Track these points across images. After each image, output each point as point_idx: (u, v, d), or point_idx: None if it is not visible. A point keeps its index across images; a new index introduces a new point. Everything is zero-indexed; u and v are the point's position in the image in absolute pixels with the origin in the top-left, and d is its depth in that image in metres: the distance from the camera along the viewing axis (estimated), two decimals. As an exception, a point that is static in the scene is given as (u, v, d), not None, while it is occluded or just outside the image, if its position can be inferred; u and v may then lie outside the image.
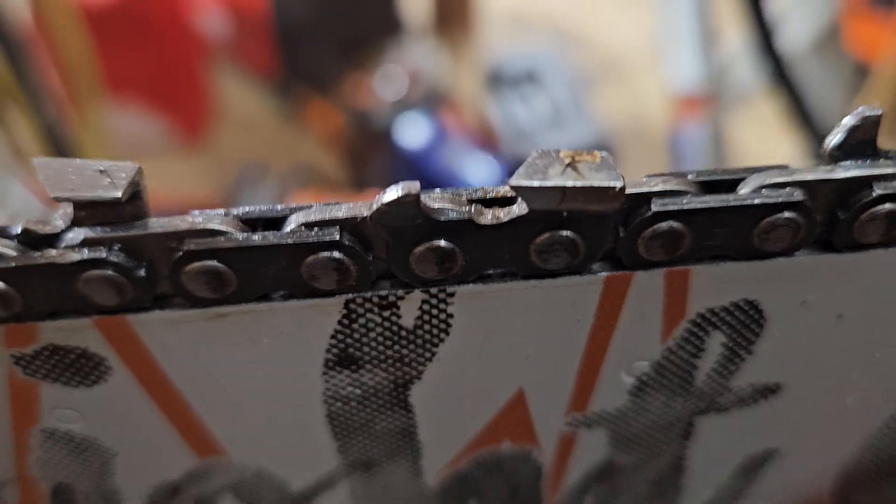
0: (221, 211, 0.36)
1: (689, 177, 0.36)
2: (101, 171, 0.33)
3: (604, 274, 0.37)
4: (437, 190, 0.35)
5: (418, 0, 2.73)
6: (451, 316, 0.38)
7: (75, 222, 0.34)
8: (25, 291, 0.35)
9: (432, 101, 2.32)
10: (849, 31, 1.95)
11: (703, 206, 0.35)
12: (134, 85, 2.35)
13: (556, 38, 2.78)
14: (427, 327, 0.39)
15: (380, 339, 0.39)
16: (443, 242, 0.35)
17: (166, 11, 2.32)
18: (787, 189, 0.35)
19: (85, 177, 0.33)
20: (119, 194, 0.33)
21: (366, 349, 0.39)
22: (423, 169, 2.18)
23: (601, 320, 0.39)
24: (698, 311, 0.40)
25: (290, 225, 0.35)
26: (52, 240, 0.35)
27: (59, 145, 1.82)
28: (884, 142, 0.36)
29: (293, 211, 0.36)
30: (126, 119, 2.33)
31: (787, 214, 0.35)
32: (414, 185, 0.33)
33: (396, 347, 0.39)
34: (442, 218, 0.34)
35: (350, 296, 0.37)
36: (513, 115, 2.37)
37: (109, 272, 0.34)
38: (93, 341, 0.38)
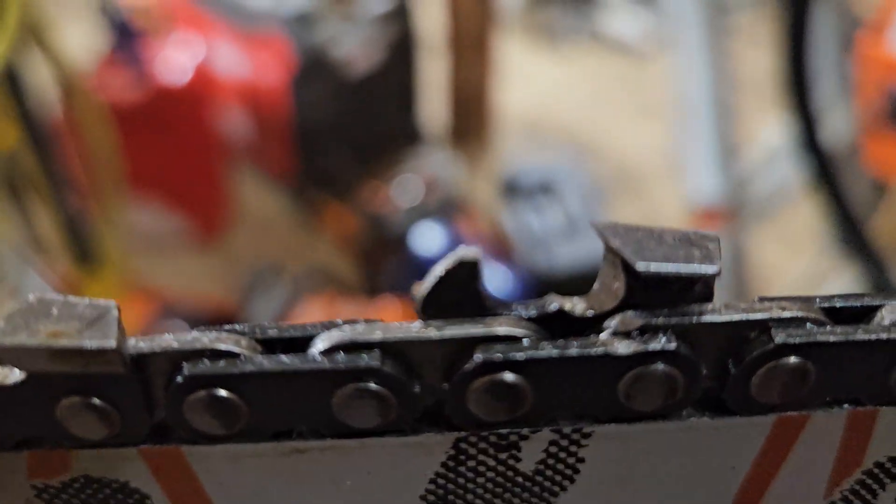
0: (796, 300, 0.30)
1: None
2: (683, 240, 0.28)
3: (771, 414, 0.30)
4: None
5: (436, 110, 2.75)
6: (581, 460, 0.31)
7: (623, 304, 0.28)
8: (546, 388, 0.29)
9: (447, 208, 2.30)
10: (867, 151, 1.95)
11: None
12: (155, 182, 2.33)
13: (572, 149, 2.79)
14: (549, 473, 0.32)
15: (489, 485, 0.32)
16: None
17: (189, 112, 2.32)
18: None
19: (669, 245, 0.28)
20: (717, 268, 0.28)
21: (469, 497, 0.32)
22: (437, 275, 2.15)
23: (760, 468, 0.33)
24: (877, 459, 0.33)
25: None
26: (587, 324, 0.29)
27: (78, 237, 1.79)
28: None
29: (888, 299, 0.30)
30: (145, 215, 2.31)
31: None
32: None
33: (507, 496, 0.32)
34: None
35: (461, 434, 0.30)
36: (527, 224, 2.35)
37: (666, 368, 0.28)
38: (135, 475, 0.31)
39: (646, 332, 0.28)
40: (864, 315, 0.29)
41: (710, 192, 1.89)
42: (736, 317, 0.28)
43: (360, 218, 2.37)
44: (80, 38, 2.54)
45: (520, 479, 0.32)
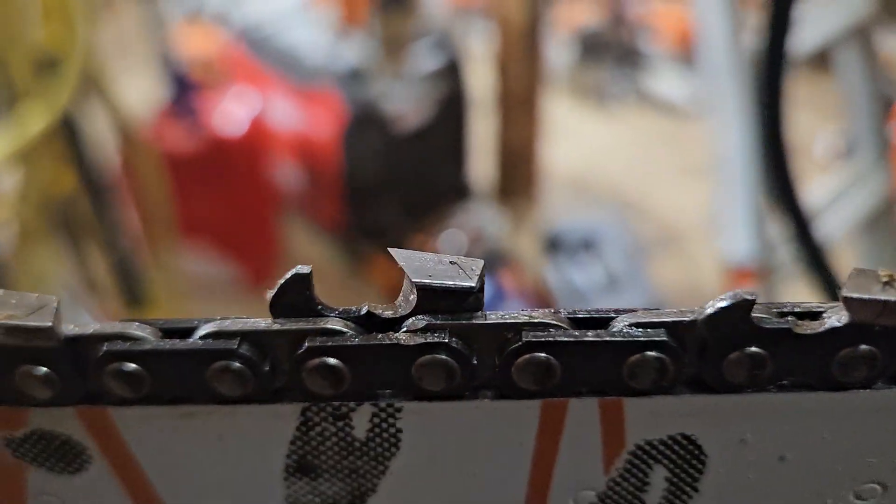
0: (550, 309, 0.36)
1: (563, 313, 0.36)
2: (453, 263, 0.35)
3: (536, 399, 0.37)
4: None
5: (484, 166, 2.78)
6: (400, 430, 0.37)
7: (417, 310, 0.35)
8: (360, 370, 0.35)
9: (492, 262, 2.32)
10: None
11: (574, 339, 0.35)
12: (208, 229, 2.39)
13: (616, 206, 2.80)
14: (378, 440, 0.38)
15: (336, 448, 0.38)
16: (759, 349, 0.35)
17: (244, 163, 2.38)
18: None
19: (440, 267, 0.35)
20: (473, 284, 0.34)
21: (322, 458, 0.38)
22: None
23: (542, 445, 0.38)
24: (636, 442, 0.39)
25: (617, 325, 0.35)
26: (393, 324, 0.35)
27: (129, 280, 1.84)
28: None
29: (619, 313, 0.36)
30: (198, 261, 2.36)
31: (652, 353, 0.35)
32: (750, 293, 0.34)
33: (351, 458, 0.38)
34: (765, 325, 0.35)
35: (306, 404, 0.36)
36: (569, 279, 2.36)
37: (444, 357, 0.34)
38: (75, 430, 0.38)
39: (429, 330, 0.34)
40: (604, 323, 0.36)
41: (745, 251, 1.88)
42: (496, 321, 0.35)
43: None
44: (140, 89, 2.64)
45: (357, 444, 0.38)
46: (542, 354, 0.34)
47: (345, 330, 0.35)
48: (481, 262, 0.35)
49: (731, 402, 0.37)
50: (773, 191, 1.19)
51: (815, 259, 1.25)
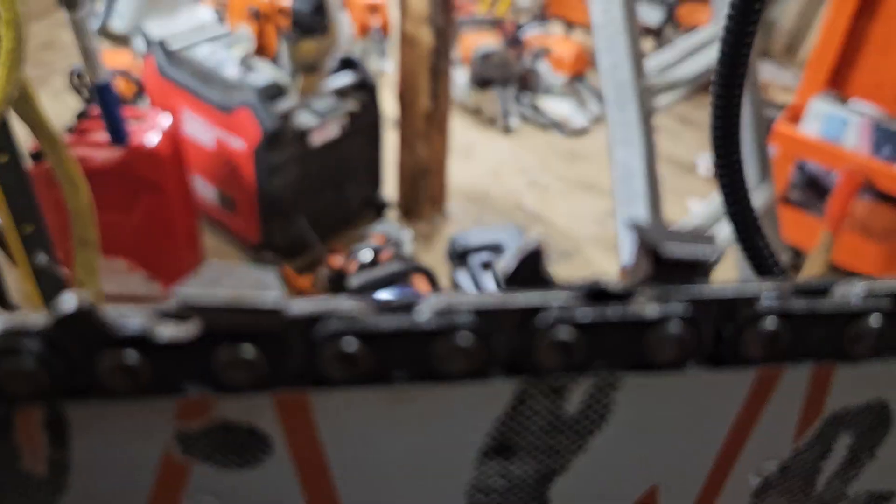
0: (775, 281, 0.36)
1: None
2: (687, 235, 0.34)
3: (755, 367, 0.36)
4: None
5: (393, 179, 2.84)
6: (613, 403, 0.36)
7: (649, 281, 0.34)
8: (594, 342, 0.33)
9: (402, 273, 2.35)
10: (784, 221, 2.08)
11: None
12: (123, 242, 2.34)
13: (518, 220, 2.89)
14: (588, 414, 0.36)
15: (542, 424, 0.36)
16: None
17: (160, 177, 2.35)
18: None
19: (679, 240, 0.34)
20: (716, 256, 0.34)
21: (523, 434, 0.36)
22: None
23: (745, 413, 0.37)
24: (834, 409, 0.38)
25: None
26: (624, 296, 0.34)
27: (48, 293, 1.79)
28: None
29: (837, 282, 0.36)
30: (111, 273, 2.30)
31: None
32: None
33: (553, 433, 0.36)
34: None
35: (526, 378, 0.34)
36: (476, 286, 2.42)
37: (679, 328, 0.34)
38: (265, 418, 0.33)
39: (667, 301, 0.34)
40: (824, 292, 0.36)
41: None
42: (733, 292, 0.34)
43: (319, 281, 2.40)
44: (59, 99, 2.56)
45: (565, 419, 0.36)
46: (775, 323, 0.34)
47: (578, 303, 0.33)
48: (714, 235, 0.34)
49: None
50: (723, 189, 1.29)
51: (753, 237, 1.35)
